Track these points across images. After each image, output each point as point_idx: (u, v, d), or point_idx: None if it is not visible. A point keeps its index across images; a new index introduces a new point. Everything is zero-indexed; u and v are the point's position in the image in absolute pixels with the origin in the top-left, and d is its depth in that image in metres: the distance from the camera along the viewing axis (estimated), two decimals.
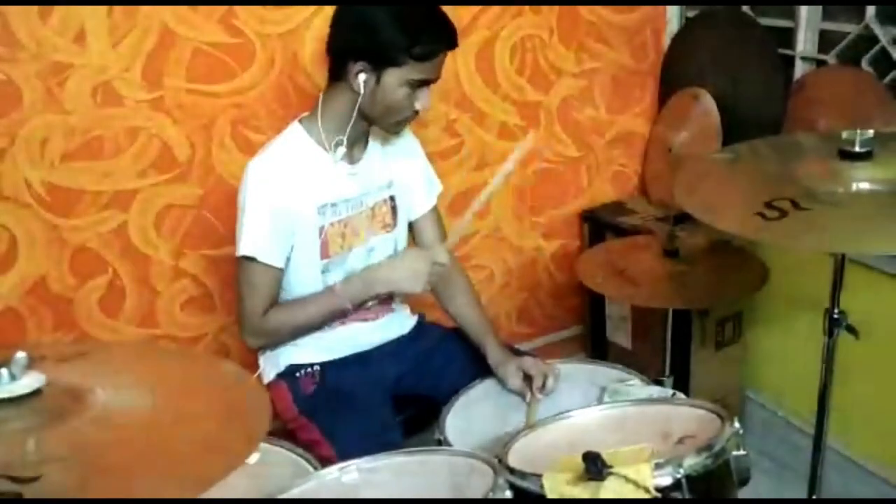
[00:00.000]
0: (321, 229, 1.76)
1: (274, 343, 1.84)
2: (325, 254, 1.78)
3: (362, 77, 1.67)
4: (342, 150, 1.75)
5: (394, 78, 1.66)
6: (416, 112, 1.74)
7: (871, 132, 1.45)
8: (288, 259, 1.76)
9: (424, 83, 1.70)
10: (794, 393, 2.49)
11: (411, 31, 1.64)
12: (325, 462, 1.60)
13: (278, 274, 1.75)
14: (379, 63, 1.65)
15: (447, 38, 1.69)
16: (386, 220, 1.88)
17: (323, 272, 1.80)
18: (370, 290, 1.78)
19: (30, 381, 0.98)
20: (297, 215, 1.73)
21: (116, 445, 0.96)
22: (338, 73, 1.72)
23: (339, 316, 1.80)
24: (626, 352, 2.63)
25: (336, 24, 1.72)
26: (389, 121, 1.74)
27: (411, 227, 1.97)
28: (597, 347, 2.77)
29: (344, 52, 1.69)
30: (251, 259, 1.71)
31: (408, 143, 1.95)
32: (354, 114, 1.72)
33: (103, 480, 0.90)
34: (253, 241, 1.70)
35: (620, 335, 2.66)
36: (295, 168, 1.73)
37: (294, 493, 1.33)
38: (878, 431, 2.24)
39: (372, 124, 1.79)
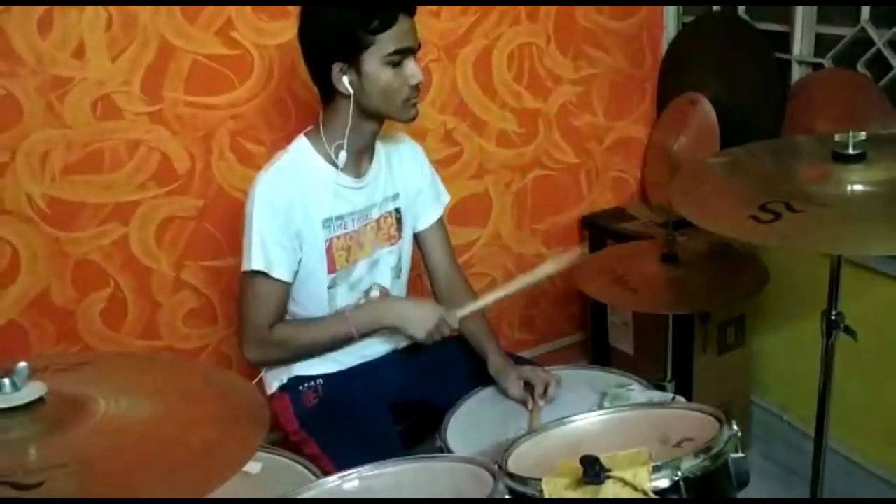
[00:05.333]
0: (327, 243, 1.76)
1: (275, 359, 1.83)
2: (331, 268, 1.78)
3: (346, 78, 1.66)
4: (343, 153, 1.73)
5: (372, 62, 1.65)
6: (415, 88, 1.70)
7: (863, 134, 1.46)
8: (296, 273, 1.75)
9: (403, 54, 1.66)
10: (799, 397, 2.48)
11: (360, 10, 1.62)
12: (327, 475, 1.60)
13: (287, 288, 1.74)
14: (350, 55, 1.64)
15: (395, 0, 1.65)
16: (391, 233, 1.88)
17: (329, 287, 1.80)
18: (380, 321, 1.78)
19: (31, 391, 0.99)
20: (304, 229, 1.73)
21: (117, 453, 0.97)
22: (327, 90, 1.72)
23: (343, 343, 1.80)
24: (628, 358, 2.63)
25: (302, 47, 1.73)
26: (393, 106, 1.70)
27: (417, 238, 1.97)
28: (599, 354, 2.77)
29: (320, 66, 1.69)
30: (261, 273, 1.70)
31: (413, 154, 1.95)
32: (350, 117, 1.69)
33: (104, 486, 0.91)
34: (263, 255, 1.69)
35: (623, 341, 2.66)
36: (302, 181, 1.72)
37: None
38: (883, 433, 2.24)
39: (381, 124, 1.78)
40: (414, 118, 1.76)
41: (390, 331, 1.84)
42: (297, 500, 1.33)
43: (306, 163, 1.75)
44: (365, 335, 1.80)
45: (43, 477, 0.89)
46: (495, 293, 1.85)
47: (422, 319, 1.76)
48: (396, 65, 1.66)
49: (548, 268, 1.83)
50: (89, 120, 2.03)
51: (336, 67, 1.66)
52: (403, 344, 1.95)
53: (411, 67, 1.68)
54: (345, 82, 1.66)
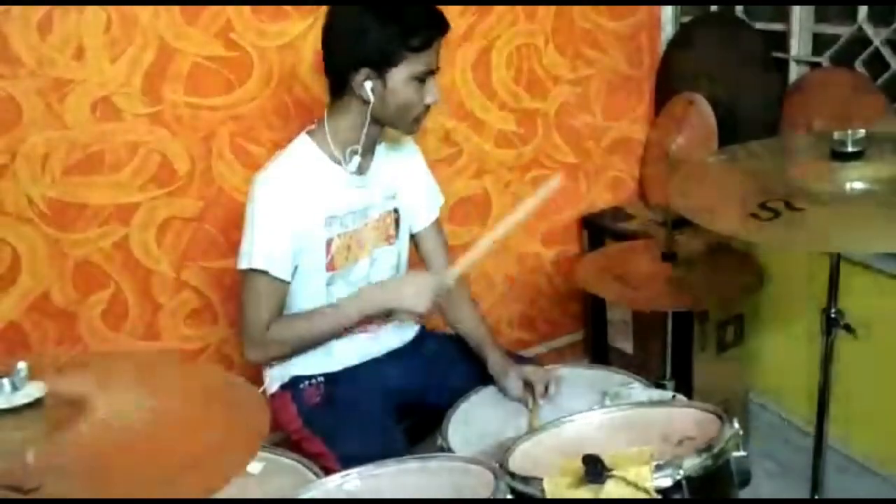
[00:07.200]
0: (328, 242, 1.76)
1: (276, 357, 1.82)
2: (331, 266, 1.78)
3: (369, 84, 1.66)
4: (357, 159, 1.74)
5: (399, 76, 1.65)
6: (428, 107, 1.72)
7: (862, 132, 1.46)
8: (295, 269, 1.75)
9: (429, 73, 1.69)
10: (796, 395, 2.49)
11: (403, 25, 1.63)
12: (329, 474, 1.60)
13: (286, 287, 1.74)
14: (381, 65, 1.64)
15: (438, 22, 1.68)
16: (389, 232, 1.88)
17: (328, 284, 1.79)
18: (377, 305, 1.77)
19: (30, 391, 0.99)
20: (305, 227, 1.72)
21: (117, 453, 0.97)
22: (341, 88, 1.71)
23: (342, 330, 1.80)
24: (628, 356, 2.63)
25: (327, 41, 1.71)
26: (406, 120, 1.73)
27: (414, 239, 1.97)
28: (599, 353, 2.78)
29: (343, 65, 1.68)
30: (260, 272, 1.69)
31: (411, 155, 1.95)
32: (367, 122, 1.70)
33: (103, 487, 0.90)
34: (263, 253, 1.68)
35: (622, 340, 2.67)
36: (303, 180, 1.72)
37: None
38: (880, 431, 2.25)
39: (384, 128, 1.78)
40: (415, 133, 1.80)
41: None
42: (297, 500, 1.33)
43: (309, 161, 1.74)
44: (363, 321, 1.80)
45: (42, 478, 0.89)
46: (484, 241, 1.80)
47: (418, 294, 1.74)
48: (420, 81, 1.68)
49: (529, 203, 1.80)
50: (89, 121, 2.04)
51: (363, 73, 1.65)
52: (399, 344, 1.95)
53: (433, 87, 1.70)
54: (367, 88, 1.66)
